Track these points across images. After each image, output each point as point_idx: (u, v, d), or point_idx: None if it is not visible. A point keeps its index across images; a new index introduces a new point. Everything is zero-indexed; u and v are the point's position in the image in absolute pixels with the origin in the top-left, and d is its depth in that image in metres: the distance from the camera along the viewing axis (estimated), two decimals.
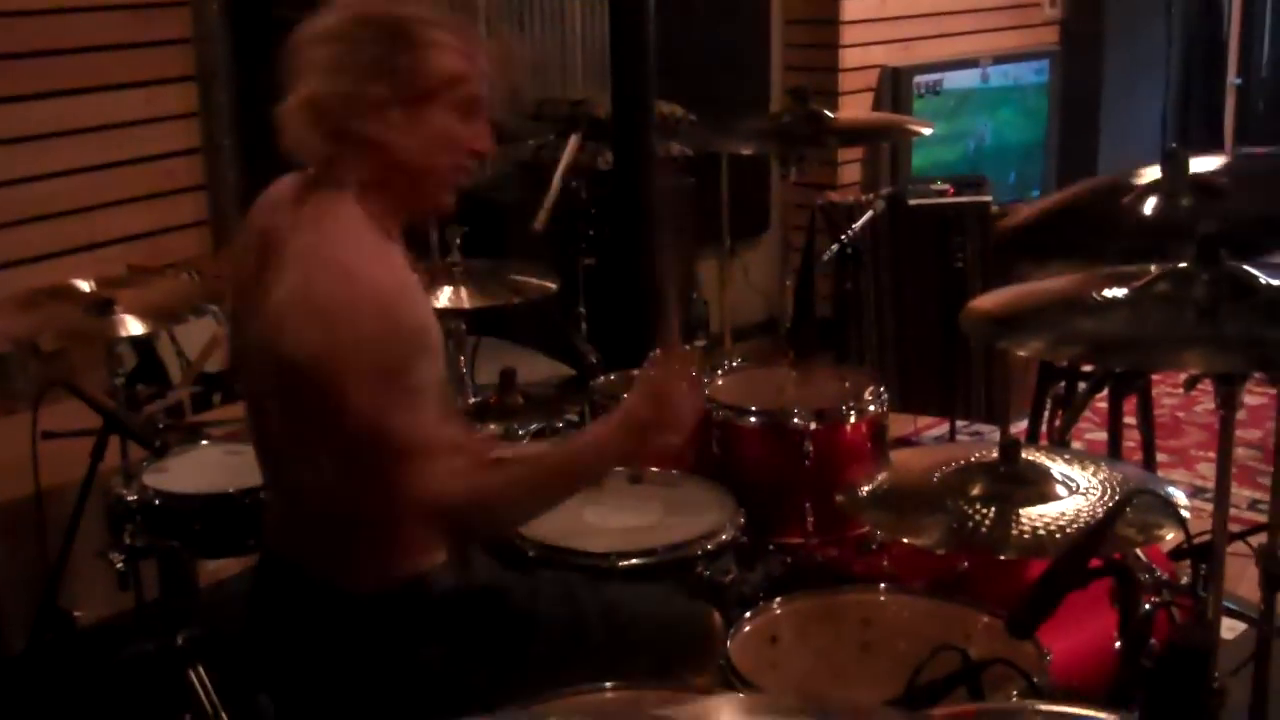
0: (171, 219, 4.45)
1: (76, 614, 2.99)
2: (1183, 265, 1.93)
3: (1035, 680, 1.81)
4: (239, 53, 4.53)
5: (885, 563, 2.59)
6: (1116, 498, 2.11)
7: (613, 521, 2.59)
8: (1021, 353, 2.12)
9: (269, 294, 1.93)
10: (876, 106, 6.06)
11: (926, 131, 3.74)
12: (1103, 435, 3.68)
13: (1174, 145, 2.49)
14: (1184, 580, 2.39)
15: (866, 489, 2.30)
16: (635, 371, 3.14)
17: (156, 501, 2.72)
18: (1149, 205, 2.45)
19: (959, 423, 4.61)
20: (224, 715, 2.74)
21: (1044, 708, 1.55)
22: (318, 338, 1.85)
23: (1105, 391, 3.38)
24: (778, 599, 2.19)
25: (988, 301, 2.11)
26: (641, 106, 4.36)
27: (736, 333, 5.36)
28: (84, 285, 2.95)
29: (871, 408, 2.91)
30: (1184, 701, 1.07)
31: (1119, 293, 1.96)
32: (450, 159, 2.03)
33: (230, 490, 2.68)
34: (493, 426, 2.95)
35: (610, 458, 2.08)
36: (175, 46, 4.44)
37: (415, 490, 1.89)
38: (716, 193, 4.92)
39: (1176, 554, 2.55)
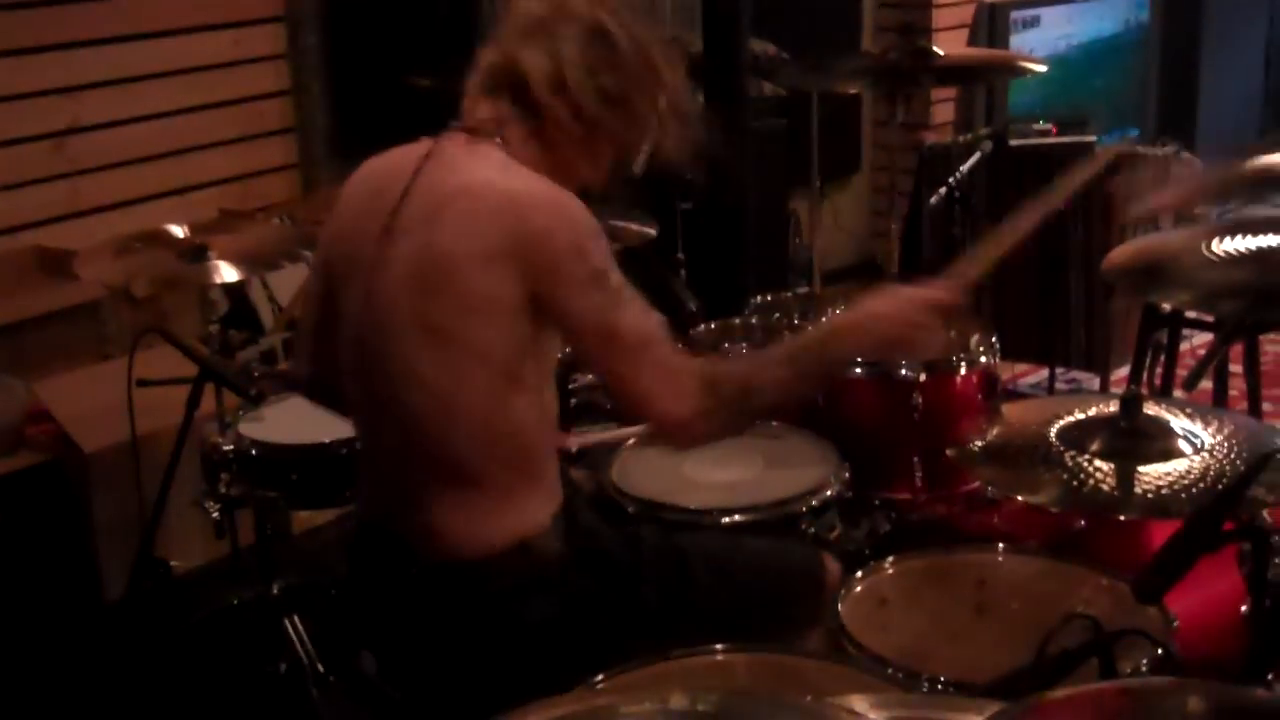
0: (261, 162, 4.43)
1: (173, 563, 2.99)
2: None
3: (1168, 650, 1.74)
4: None
5: (996, 520, 2.52)
6: (1242, 455, 2.02)
7: (713, 475, 2.53)
8: (1168, 306, 2.03)
9: (432, 221, 1.97)
10: (972, 43, 5.91)
11: (1040, 69, 3.60)
12: (1206, 383, 3.57)
13: None
14: None
15: (978, 443, 2.22)
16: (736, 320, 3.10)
17: (253, 451, 2.70)
18: None
19: (1056, 370, 4.50)
20: (319, 664, 2.74)
21: None
22: (545, 222, 1.93)
23: (1209, 338, 3.28)
24: (889, 559, 2.13)
25: (1127, 254, 2.02)
26: (733, 45, 4.27)
27: (827, 275, 5.26)
28: (178, 231, 2.92)
29: (983, 358, 2.83)
30: None
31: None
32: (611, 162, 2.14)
33: (327, 441, 2.65)
34: (589, 376, 2.90)
35: (852, 353, 2.17)
36: None
37: (664, 412, 1.97)
38: (806, 133, 4.81)
39: None
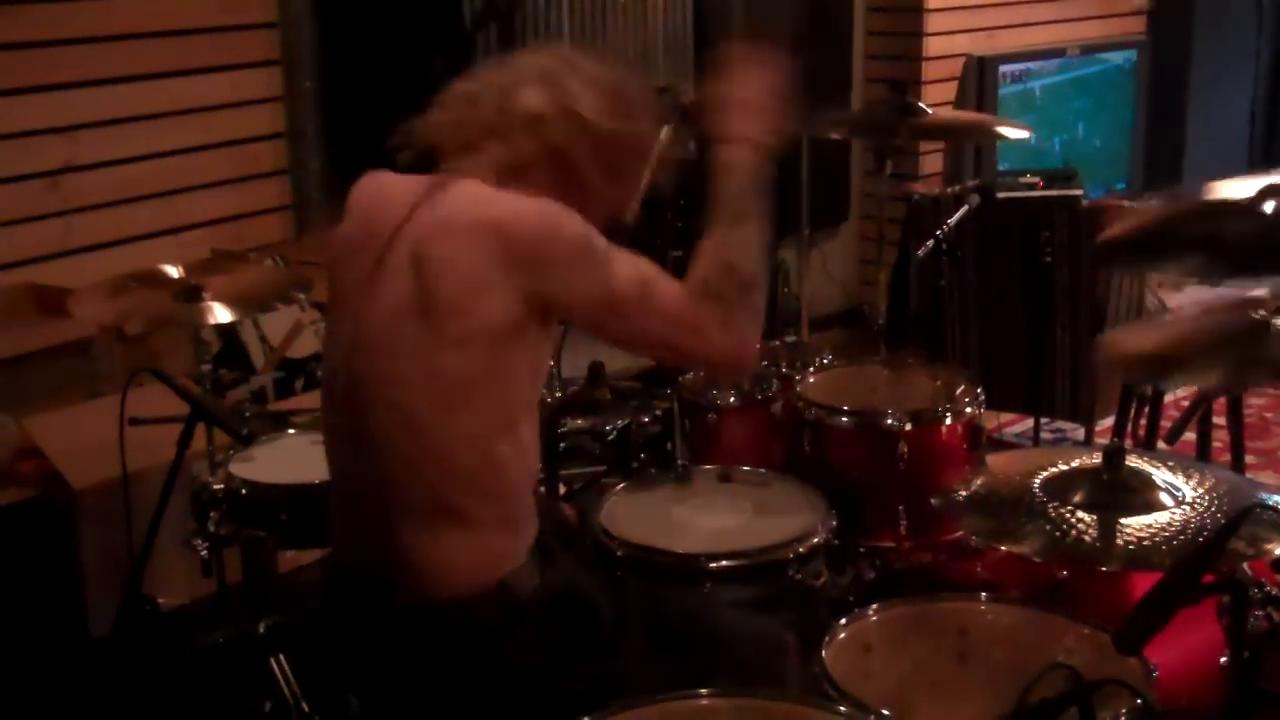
0: (255, 204, 4.46)
1: (160, 600, 3.00)
2: None
3: (1147, 700, 1.76)
4: (324, 38, 4.53)
5: (979, 569, 2.54)
6: (1224, 509, 2.05)
7: (702, 521, 2.55)
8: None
9: (425, 256, 1.99)
10: (961, 96, 5.96)
11: (1023, 135, 3.62)
12: (1190, 435, 3.60)
13: None
14: None
15: (963, 493, 2.24)
16: None
17: (243, 491, 2.71)
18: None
19: (1041, 420, 4.53)
20: (304, 704, 2.74)
21: None
22: (528, 233, 1.97)
23: (1194, 390, 3.30)
24: (873, 606, 2.14)
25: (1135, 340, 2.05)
26: None
27: (815, 322, 5.30)
28: (173, 271, 2.94)
29: (968, 409, 2.85)
30: None
31: None
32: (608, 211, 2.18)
33: (316, 481, 2.65)
34: (579, 421, 2.92)
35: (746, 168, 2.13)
36: (261, 31, 4.45)
37: (690, 350, 2.08)
38: (796, 181, 4.86)
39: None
